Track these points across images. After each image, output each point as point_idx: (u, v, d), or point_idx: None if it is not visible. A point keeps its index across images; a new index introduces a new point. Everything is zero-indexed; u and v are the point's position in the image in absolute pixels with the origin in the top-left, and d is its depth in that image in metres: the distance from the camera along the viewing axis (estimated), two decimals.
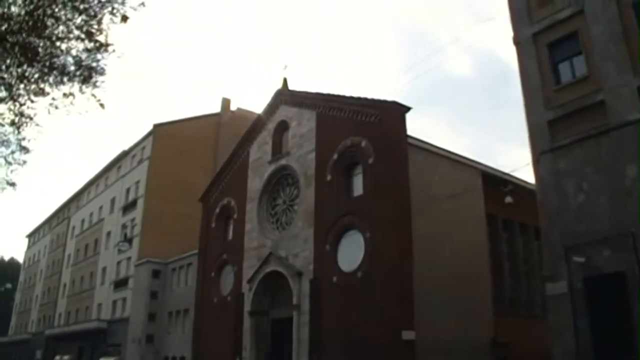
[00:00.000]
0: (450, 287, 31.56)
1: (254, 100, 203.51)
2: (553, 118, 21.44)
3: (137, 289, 54.37)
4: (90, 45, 13.99)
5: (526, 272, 40.29)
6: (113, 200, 67.68)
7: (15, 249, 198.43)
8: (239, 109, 68.93)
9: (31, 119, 14.10)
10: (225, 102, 69.17)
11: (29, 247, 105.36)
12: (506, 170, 37.17)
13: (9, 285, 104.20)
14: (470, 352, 31.22)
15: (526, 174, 42.86)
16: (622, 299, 18.09)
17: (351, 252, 32.49)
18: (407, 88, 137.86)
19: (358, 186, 33.62)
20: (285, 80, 41.25)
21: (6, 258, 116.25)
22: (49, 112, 14.30)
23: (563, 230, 20.26)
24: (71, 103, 14.28)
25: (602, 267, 18.91)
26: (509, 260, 39.40)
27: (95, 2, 13.59)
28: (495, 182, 33.71)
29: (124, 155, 68.23)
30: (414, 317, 28.97)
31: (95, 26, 13.75)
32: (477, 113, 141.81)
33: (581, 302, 19.23)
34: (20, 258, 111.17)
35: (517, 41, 23.71)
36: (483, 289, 34.53)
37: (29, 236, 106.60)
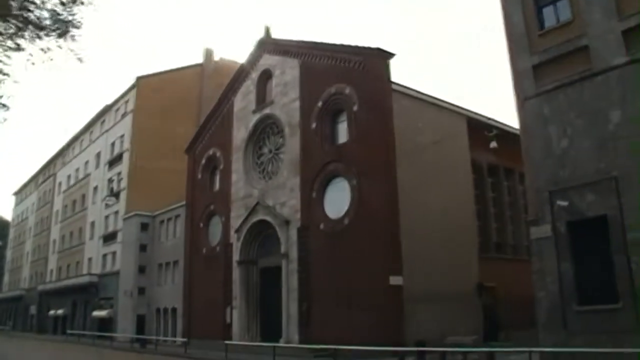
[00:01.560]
0: (437, 232, 31.93)
1: (237, 50, 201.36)
2: (537, 63, 21.28)
3: (126, 242, 54.54)
4: None
5: (511, 217, 40.68)
6: (98, 155, 67.33)
7: (2, 207, 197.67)
8: (221, 59, 68.11)
9: (8, 75, 13.86)
10: (208, 53, 68.33)
11: (16, 205, 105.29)
12: (491, 116, 37.32)
13: None
14: (456, 297, 31.77)
15: (511, 118, 42.95)
16: (605, 243, 18.32)
17: (338, 200, 32.70)
18: (393, 34, 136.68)
19: (343, 133, 33.65)
20: (267, 29, 40.82)
21: None
22: (26, 68, 14.09)
23: (547, 175, 20.35)
24: (49, 58, 14.08)
25: (586, 211, 19.06)
26: (495, 205, 39.73)
27: None
28: (480, 127, 33.79)
29: (107, 109, 67.56)
30: (401, 263, 29.36)
31: None
32: (463, 60, 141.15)
33: (565, 246, 19.41)
34: (8, 216, 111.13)
35: None
36: (469, 235, 34.94)
37: (16, 194, 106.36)
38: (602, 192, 18.60)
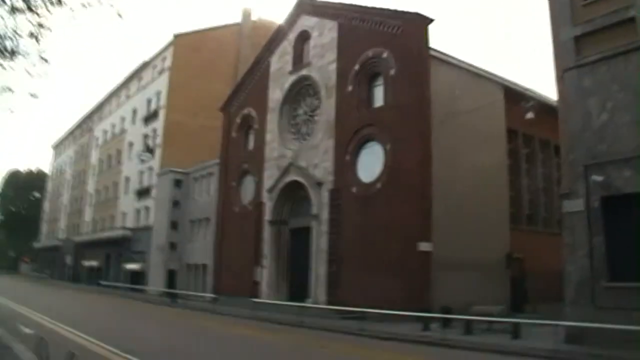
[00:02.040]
0: (468, 201, 31.82)
1: (276, 11, 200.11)
2: (580, 34, 20.81)
3: (159, 198, 55.33)
4: None
5: (544, 189, 40.31)
6: (134, 111, 67.95)
7: (41, 160, 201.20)
8: (259, 19, 67.92)
9: (50, 30, 13.96)
10: (246, 13, 68.09)
11: (55, 158, 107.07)
12: (528, 86, 36.76)
13: (37, 195, 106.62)
14: (485, 267, 31.73)
15: (549, 90, 42.27)
16: (639, 220, 18.08)
17: (371, 164, 32.72)
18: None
19: (379, 98, 33.49)
20: None
21: (33, 169, 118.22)
22: (67, 23, 14.16)
23: (584, 149, 20.04)
24: (89, 13, 14.09)
25: (622, 187, 18.74)
26: (528, 176, 39.38)
27: None
28: (517, 97, 33.27)
29: (144, 66, 67.90)
30: (431, 230, 29.41)
31: None
32: (504, 29, 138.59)
33: (597, 221, 19.19)
34: (46, 169, 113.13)
35: None
36: (501, 205, 34.77)
37: (55, 147, 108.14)
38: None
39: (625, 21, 19.41)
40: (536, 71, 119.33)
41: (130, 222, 62.75)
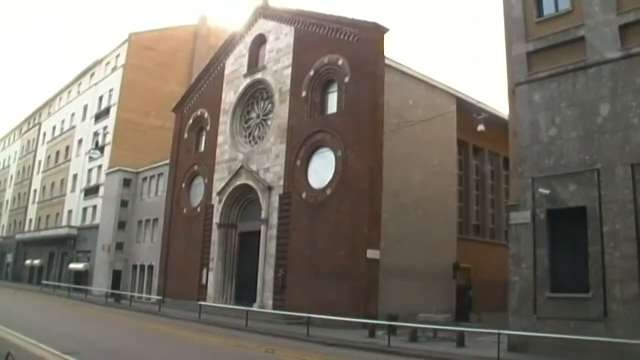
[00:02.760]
0: (418, 210, 32.30)
1: (233, 17, 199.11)
2: (532, 50, 21.35)
3: (107, 197, 54.40)
4: None
5: (492, 201, 41.06)
6: (85, 108, 66.62)
7: None
8: (216, 24, 67.66)
9: None
10: (203, 16, 67.78)
11: None
12: (481, 99, 37.38)
13: None
14: (432, 275, 32.21)
15: (501, 103, 43.05)
16: (582, 233, 18.58)
17: (321, 170, 32.78)
18: (389, 8, 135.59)
19: (332, 104, 33.57)
20: None
21: None
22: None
23: (532, 162, 20.53)
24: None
25: (567, 200, 19.29)
26: (477, 187, 40.05)
27: None
28: (469, 109, 33.81)
29: (97, 62, 66.87)
30: (380, 238, 29.62)
31: None
32: (458, 42, 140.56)
33: (542, 233, 19.69)
34: None
35: None
36: (449, 214, 35.27)
37: None
38: (584, 183, 18.85)
39: (575, 40, 20.00)
40: (489, 85, 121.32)
41: (76, 221, 61.44)
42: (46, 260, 65.95)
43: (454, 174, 36.42)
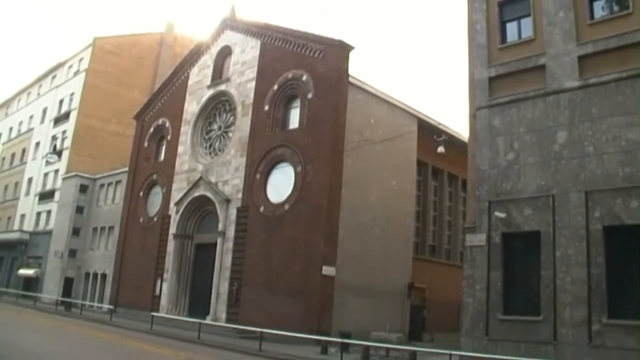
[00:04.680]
0: (375, 228, 32.45)
1: (200, 28, 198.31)
2: (494, 75, 21.78)
3: (62, 202, 53.44)
4: None
5: (450, 222, 41.48)
6: (45, 111, 65.50)
7: None
8: (182, 33, 67.40)
9: None
10: (170, 24, 67.43)
11: None
12: (441, 121, 37.81)
13: None
14: (386, 294, 32.35)
15: (461, 126, 43.56)
16: (535, 257, 18.90)
17: (281, 184, 32.73)
18: (356, 25, 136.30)
19: (294, 119, 33.61)
20: (233, 8, 40.24)
21: None
22: None
23: (489, 185, 20.86)
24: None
25: (521, 225, 19.65)
26: (435, 208, 40.41)
27: None
28: (430, 130, 34.15)
29: (60, 65, 65.90)
30: (336, 255, 29.65)
31: None
32: (421, 64, 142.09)
33: (497, 256, 20.01)
34: None
35: None
36: (406, 234, 35.49)
37: None
38: (539, 208, 19.21)
39: (536, 68, 20.50)
40: (450, 108, 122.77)
41: (29, 226, 60.12)
42: None
43: (412, 194, 36.68)
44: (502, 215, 20.05)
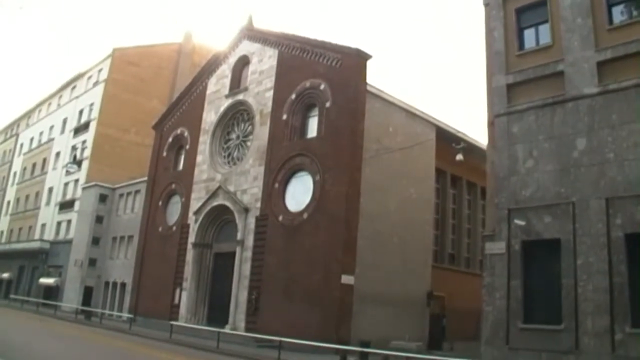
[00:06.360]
0: (394, 237, 32.28)
1: (218, 37, 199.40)
2: (512, 82, 21.72)
3: (82, 212, 53.85)
4: None
5: (469, 230, 41.26)
6: (65, 121, 66.18)
7: None
8: (200, 43, 67.87)
9: None
10: (188, 34, 67.95)
11: None
12: (460, 129, 37.71)
13: None
14: (406, 303, 32.16)
15: (479, 134, 43.44)
16: (556, 265, 18.74)
17: (299, 193, 32.73)
18: (375, 33, 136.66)
19: (312, 128, 33.65)
20: (250, 18, 40.48)
21: None
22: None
23: (508, 193, 20.75)
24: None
25: (541, 232, 19.51)
26: (454, 216, 40.25)
27: None
28: (448, 138, 34.07)
29: (80, 76, 66.54)
30: (355, 263, 29.54)
31: None
32: (441, 71, 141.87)
33: (517, 264, 19.87)
34: None
35: (486, 2, 23.68)
36: (425, 242, 35.30)
37: None
38: (559, 215, 19.05)
39: (554, 74, 20.39)
40: (468, 115, 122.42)
41: (49, 235, 60.62)
42: (16, 273, 64.92)
43: (431, 202, 36.55)
44: (522, 222, 19.94)
